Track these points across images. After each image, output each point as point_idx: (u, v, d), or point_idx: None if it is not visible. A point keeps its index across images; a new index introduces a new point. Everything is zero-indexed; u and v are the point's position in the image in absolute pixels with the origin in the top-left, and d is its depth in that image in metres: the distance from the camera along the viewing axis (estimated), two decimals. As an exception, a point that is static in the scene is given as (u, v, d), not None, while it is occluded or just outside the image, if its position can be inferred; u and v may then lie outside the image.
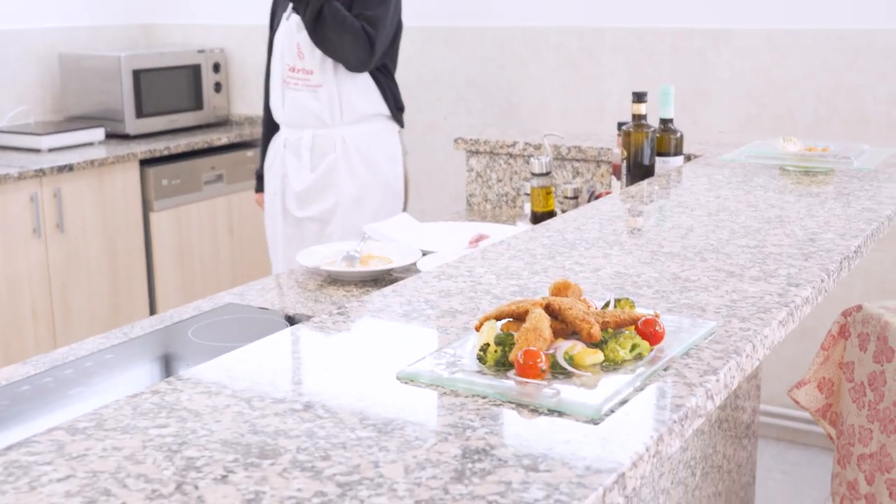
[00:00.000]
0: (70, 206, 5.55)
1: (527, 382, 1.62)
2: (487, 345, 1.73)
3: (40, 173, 5.23)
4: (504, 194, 4.50)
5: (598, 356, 1.70)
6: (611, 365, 1.70)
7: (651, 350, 1.76)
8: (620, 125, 3.77)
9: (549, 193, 3.77)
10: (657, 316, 1.82)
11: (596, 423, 1.49)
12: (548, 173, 3.76)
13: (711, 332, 1.87)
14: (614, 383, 1.63)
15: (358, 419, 1.51)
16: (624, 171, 3.58)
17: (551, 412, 1.53)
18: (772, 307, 2.01)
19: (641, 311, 1.89)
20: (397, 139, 4.91)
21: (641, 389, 1.62)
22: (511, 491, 1.30)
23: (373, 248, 3.48)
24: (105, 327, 5.59)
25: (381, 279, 3.29)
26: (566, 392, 1.60)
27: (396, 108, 4.84)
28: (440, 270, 2.32)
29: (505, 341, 1.72)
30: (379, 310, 2.05)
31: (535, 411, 1.54)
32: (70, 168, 5.52)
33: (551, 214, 3.78)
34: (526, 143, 4.39)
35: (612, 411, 1.54)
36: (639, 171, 3.55)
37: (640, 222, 2.91)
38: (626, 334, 1.75)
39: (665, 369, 1.70)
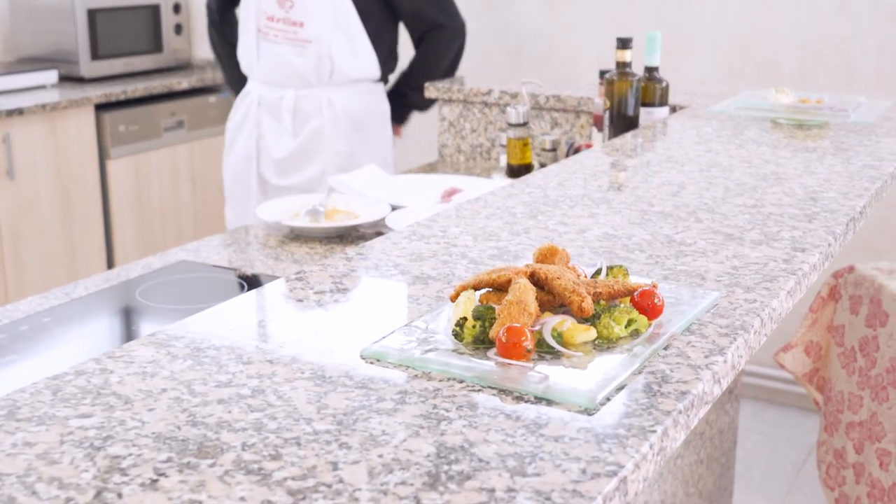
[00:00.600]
0: (20, 153, 5.27)
1: (510, 364, 1.42)
2: (465, 319, 1.52)
3: (-13, 117, 4.92)
4: (478, 145, 4.27)
5: (590, 333, 1.50)
6: (604, 343, 1.50)
7: (649, 326, 1.55)
8: (603, 73, 3.55)
9: (525, 145, 3.55)
10: (655, 286, 1.62)
11: (590, 414, 1.29)
12: (525, 124, 3.53)
13: (714, 304, 1.68)
14: (609, 365, 1.43)
15: (315, 408, 1.30)
16: (606, 122, 3.36)
17: (539, 400, 1.33)
18: (778, 275, 1.81)
19: (637, 280, 1.68)
20: (384, 97, 4.45)
21: (640, 373, 1.42)
22: (495, 500, 1.09)
23: (339, 202, 3.26)
24: (60, 282, 5.34)
25: (346, 235, 3.07)
26: (555, 376, 1.39)
27: (388, 70, 4.42)
28: (411, 230, 2.11)
29: (485, 315, 1.52)
30: (342, 275, 1.83)
31: (521, 398, 1.34)
32: (20, 112, 5.22)
33: (528, 168, 3.56)
34: (502, 92, 4.16)
35: (608, 399, 1.33)
36: (622, 122, 3.33)
37: (627, 178, 2.70)
38: (621, 308, 1.55)
39: (665, 348, 1.50)
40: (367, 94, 4.37)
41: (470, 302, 1.59)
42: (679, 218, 2.18)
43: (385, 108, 4.45)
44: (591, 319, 1.54)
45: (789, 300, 1.79)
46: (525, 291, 1.52)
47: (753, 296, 1.71)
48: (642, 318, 1.55)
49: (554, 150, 3.68)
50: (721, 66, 5.30)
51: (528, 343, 1.44)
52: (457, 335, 1.52)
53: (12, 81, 5.65)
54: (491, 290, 1.61)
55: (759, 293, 1.73)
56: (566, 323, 1.51)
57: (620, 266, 1.73)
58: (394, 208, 3.25)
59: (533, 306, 1.51)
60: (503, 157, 3.72)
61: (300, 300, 1.73)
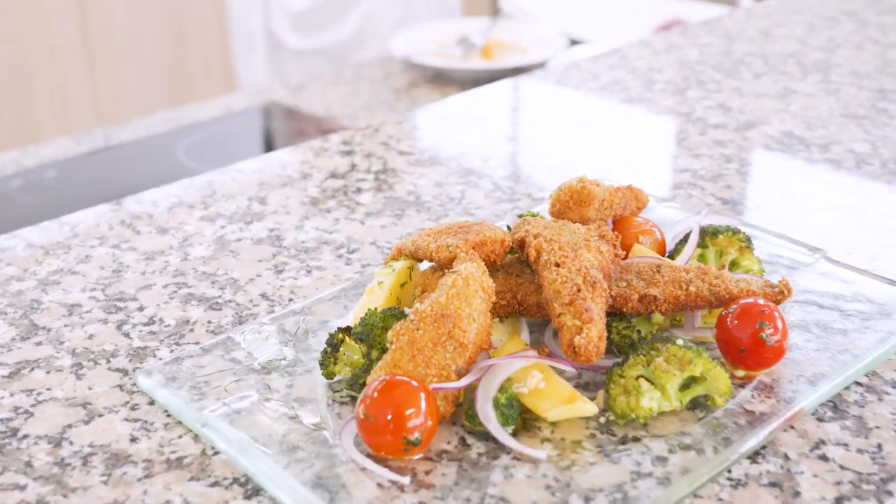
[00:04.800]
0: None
1: (376, 468, 0.65)
2: (341, 336, 0.75)
3: None
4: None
5: (579, 406, 0.69)
6: (622, 420, 0.69)
7: (746, 383, 0.71)
8: None
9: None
10: (783, 291, 0.76)
11: None
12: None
13: (921, 341, 0.79)
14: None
15: None
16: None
17: None
18: None
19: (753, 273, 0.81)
20: None
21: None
22: None
23: (503, 32, 2.42)
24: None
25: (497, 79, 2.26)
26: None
27: None
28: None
29: (373, 333, 0.74)
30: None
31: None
32: None
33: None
34: None
35: None
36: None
37: None
38: (677, 347, 0.71)
39: (762, 453, 0.66)
40: None
41: (393, 289, 0.81)
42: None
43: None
44: (617, 370, 0.72)
45: None
46: (460, 294, 0.72)
47: None
48: (721, 376, 0.70)
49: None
50: None
51: (418, 430, 0.66)
52: (324, 365, 0.76)
53: None
54: (435, 267, 0.81)
55: None
56: (534, 378, 0.70)
57: (737, 231, 0.86)
58: (574, 43, 2.38)
59: (475, 329, 0.71)
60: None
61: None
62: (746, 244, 0.86)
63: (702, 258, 0.87)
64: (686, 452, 0.68)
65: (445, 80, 2.27)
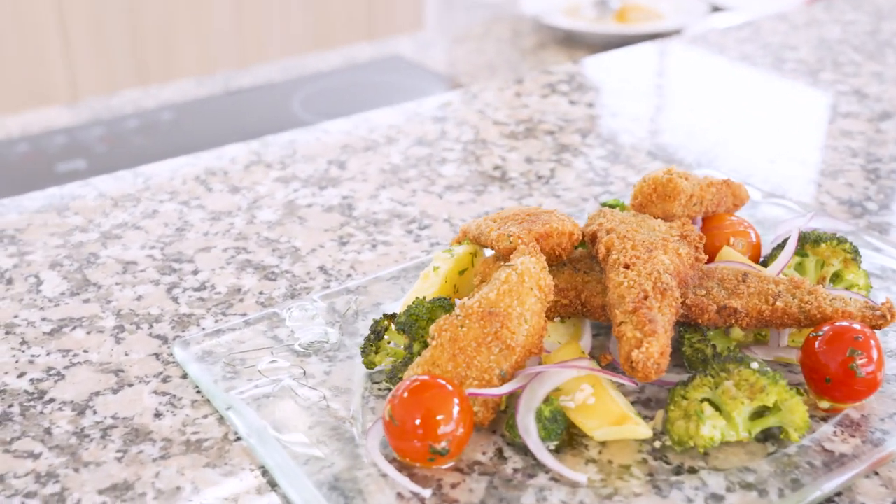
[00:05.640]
0: None
1: (406, 474, 0.60)
2: (385, 323, 0.70)
3: None
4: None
5: (629, 428, 0.62)
6: (681, 448, 0.61)
7: (831, 415, 0.63)
8: None
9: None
10: (882, 318, 0.67)
11: None
12: None
13: None
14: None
15: None
16: None
17: None
18: None
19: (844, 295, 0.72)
20: None
21: None
22: None
23: (639, -6, 2.31)
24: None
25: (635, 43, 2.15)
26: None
27: None
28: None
29: (417, 324, 0.69)
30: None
31: None
32: None
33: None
34: None
35: None
36: None
37: None
38: (756, 371, 0.63)
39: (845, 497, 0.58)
40: None
41: (450, 275, 0.75)
42: None
43: None
44: (681, 385, 0.64)
45: None
46: (513, 291, 0.65)
47: None
48: (798, 408, 0.62)
49: None
50: None
51: (447, 438, 0.60)
52: (364, 353, 0.70)
53: None
54: (498, 257, 0.75)
55: None
56: (583, 392, 0.63)
57: (843, 240, 0.76)
58: (716, 10, 2.26)
59: (525, 330, 0.64)
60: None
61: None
62: (853, 256, 0.76)
63: (800, 268, 0.78)
64: (747, 492, 0.60)
65: (576, 43, 2.18)
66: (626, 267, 0.68)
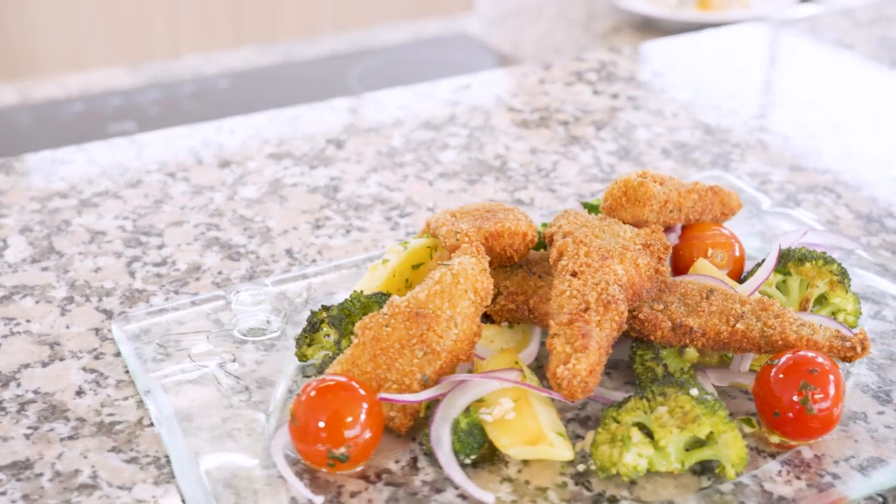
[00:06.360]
0: None
1: (307, 476, 0.57)
2: (320, 317, 0.67)
3: None
4: None
5: (546, 448, 0.58)
6: (604, 474, 0.57)
7: (762, 458, 0.58)
8: None
9: None
10: (852, 349, 0.61)
11: None
12: None
13: None
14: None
15: None
16: None
17: None
18: None
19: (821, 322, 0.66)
20: None
21: None
22: None
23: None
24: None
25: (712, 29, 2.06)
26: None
27: None
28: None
29: (347, 319, 0.65)
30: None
31: None
32: None
33: None
34: None
35: None
36: None
37: None
38: (692, 399, 0.58)
39: None
40: None
41: (401, 269, 0.71)
42: None
43: None
44: (614, 407, 0.60)
45: None
46: (445, 293, 0.62)
47: None
48: (735, 443, 0.57)
49: None
50: None
51: (348, 444, 0.57)
52: (298, 345, 0.67)
53: None
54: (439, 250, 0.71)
55: None
56: (502, 406, 0.59)
57: (830, 261, 0.70)
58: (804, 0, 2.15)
59: (454, 335, 0.61)
60: None
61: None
62: (839, 278, 0.70)
63: (783, 287, 0.72)
64: (667, 530, 0.55)
65: (653, 29, 2.09)
66: (574, 275, 0.64)
